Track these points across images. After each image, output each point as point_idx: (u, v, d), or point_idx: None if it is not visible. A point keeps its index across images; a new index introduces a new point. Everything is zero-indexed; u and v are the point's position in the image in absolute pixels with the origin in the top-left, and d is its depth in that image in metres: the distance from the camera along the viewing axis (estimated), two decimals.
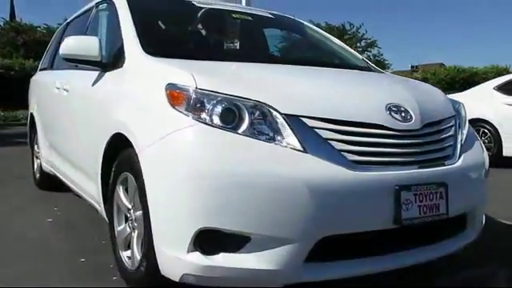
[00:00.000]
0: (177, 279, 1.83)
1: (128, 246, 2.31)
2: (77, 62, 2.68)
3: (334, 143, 1.84)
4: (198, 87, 1.90)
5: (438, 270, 2.43)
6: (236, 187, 1.72)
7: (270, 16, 3.39)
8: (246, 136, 1.81)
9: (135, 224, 2.21)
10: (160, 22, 2.80)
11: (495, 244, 2.88)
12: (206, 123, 1.83)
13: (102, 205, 2.57)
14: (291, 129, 1.82)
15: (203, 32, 3.04)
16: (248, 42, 3.23)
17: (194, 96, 1.88)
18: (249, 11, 3.34)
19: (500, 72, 20.66)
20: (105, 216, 2.63)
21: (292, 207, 1.73)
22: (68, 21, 4.36)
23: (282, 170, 1.75)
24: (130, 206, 2.27)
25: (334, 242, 1.80)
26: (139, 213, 2.15)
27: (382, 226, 1.87)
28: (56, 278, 2.40)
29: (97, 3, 3.39)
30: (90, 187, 2.80)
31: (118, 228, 2.39)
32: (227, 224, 1.74)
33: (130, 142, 2.12)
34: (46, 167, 4.13)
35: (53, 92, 3.62)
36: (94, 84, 2.70)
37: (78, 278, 2.41)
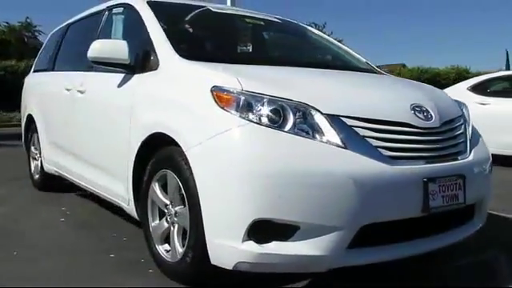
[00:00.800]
0: (230, 267, 1.98)
1: (165, 240, 2.44)
2: (105, 65, 2.76)
3: (370, 140, 2.04)
4: (245, 89, 2.06)
5: (443, 256, 2.65)
6: (286, 181, 1.89)
7: (279, 21, 3.57)
8: (292, 134, 1.98)
9: (175, 218, 2.34)
10: (184, 27, 2.92)
11: (489, 233, 3.13)
12: (256, 122, 1.98)
13: (132, 202, 2.68)
14: (333, 127, 2.00)
15: (225, 36, 3.18)
16: (265, 45, 3.40)
17: (242, 98, 2.03)
18: (260, 16, 3.51)
19: (460, 73, 21.54)
20: (133, 213, 2.74)
21: (337, 198, 1.91)
22: (69, 23, 4.39)
23: (328, 165, 1.93)
24: (167, 202, 2.40)
25: (371, 230, 1.99)
26: (179, 208, 2.29)
27: (413, 214, 2.08)
28: (97, 272, 2.49)
29: (109, 7, 3.47)
30: (114, 186, 2.89)
31: (153, 224, 2.51)
32: (279, 214, 1.90)
33: (171, 141, 2.25)
34: (49, 168, 4.16)
35: (62, 93, 3.67)
36: (120, 86, 2.79)
37: (118, 271, 2.50)
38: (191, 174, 2.12)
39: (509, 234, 3.33)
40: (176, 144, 2.26)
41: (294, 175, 1.90)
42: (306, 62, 2.86)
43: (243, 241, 1.92)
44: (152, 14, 2.86)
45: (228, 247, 1.96)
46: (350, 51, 3.45)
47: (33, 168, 4.73)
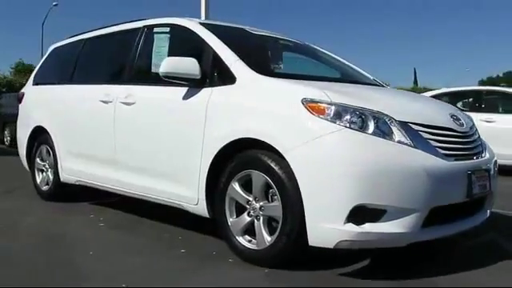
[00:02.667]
0: (331, 246, 2.42)
1: (245, 232, 2.80)
2: (176, 80, 3.07)
3: (431, 141, 2.58)
4: (333, 101, 2.53)
5: (448, 241, 3.22)
6: (377, 173, 2.38)
7: (297, 41, 4.08)
8: (375, 136, 2.47)
9: (260, 212, 2.72)
10: (239, 46, 3.29)
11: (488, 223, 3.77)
12: (347, 127, 2.45)
13: (203, 201, 2.99)
14: (404, 131, 2.52)
15: (271, 55, 3.61)
16: (302, 64, 3.87)
17: (333, 108, 2.50)
18: (285, 37, 3.98)
19: (421, 91, 23.46)
20: (200, 212, 3.06)
21: (415, 186, 2.42)
22: (85, 38, 4.55)
23: (406, 160, 2.45)
24: (250, 199, 2.77)
25: (435, 212, 2.53)
26: (264, 202, 2.68)
27: (460, 199, 2.65)
28: (185, 265, 2.77)
29: (148, 26, 3.75)
30: (175, 189, 3.17)
31: (231, 219, 2.86)
32: (371, 200, 2.38)
33: (254, 145, 2.66)
34: (69, 177, 4.29)
35: (96, 105, 3.85)
36: (187, 98, 3.11)
37: (203, 263, 2.80)
38: (287, 172, 2.53)
39: (503, 223, 3.98)
40: (261, 147, 2.66)
41: (382, 169, 2.39)
42: (343, 79, 3.38)
43: (344, 223, 2.37)
44: (212, 35, 3.22)
45: (330, 229, 2.39)
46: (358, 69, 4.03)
47: (39, 180, 4.78)
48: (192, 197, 3.07)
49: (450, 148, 2.68)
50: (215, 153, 2.89)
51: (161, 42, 3.63)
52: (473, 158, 2.80)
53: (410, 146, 2.50)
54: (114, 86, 3.79)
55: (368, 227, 2.39)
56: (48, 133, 4.55)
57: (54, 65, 4.97)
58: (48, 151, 4.62)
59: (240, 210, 2.85)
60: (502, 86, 10.49)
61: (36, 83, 5.07)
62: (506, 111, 7.52)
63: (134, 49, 3.76)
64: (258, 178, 2.70)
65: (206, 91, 3.04)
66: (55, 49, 5.08)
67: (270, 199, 2.69)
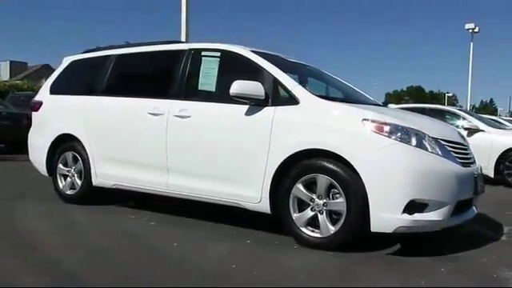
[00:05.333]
0: (390, 231, 3.21)
1: (308, 224, 3.49)
2: (244, 100, 3.69)
3: (451, 152, 3.48)
4: (387, 121, 3.33)
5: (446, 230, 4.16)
6: (423, 176, 3.22)
7: (313, 67, 4.85)
8: (417, 148, 3.30)
9: (323, 208, 3.43)
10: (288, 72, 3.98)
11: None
12: (400, 141, 3.27)
13: (267, 200, 3.64)
14: (436, 145, 3.38)
15: (303, 79, 4.34)
16: (319, 86, 4.63)
17: (389, 127, 3.30)
18: (306, 64, 4.75)
19: None
20: (262, 209, 3.71)
21: (448, 185, 3.30)
22: (115, 53, 4.95)
23: (441, 166, 3.31)
24: (313, 197, 3.47)
25: (456, 205, 3.41)
26: (327, 200, 3.41)
27: (470, 196, 3.58)
28: (256, 251, 3.41)
29: (195, 50, 4.32)
30: (238, 191, 3.77)
31: (295, 215, 3.55)
32: (419, 196, 3.20)
33: (314, 154, 3.41)
34: (104, 182, 4.68)
35: (143, 116, 4.32)
36: (250, 114, 3.74)
37: (273, 250, 3.46)
38: (351, 175, 3.28)
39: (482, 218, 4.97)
40: (324, 156, 3.39)
41: (426, 173, 3.23)
42: (359, 100, 4.19)
43: (401, 213, 3.17)
44: (267, 61, 3.89)
45: (390, 218, 3.18)
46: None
47: (61, 185, 5.07)
48: (255, 196, 3.70)
49: (462, 157, 3.60)
50: (282, 160, 3.57)
51: (209, 64, 4.22)
52: (472, 165, 3.75)
53: (440, 155, 3.36)
54: (162, 100, 4.28)
55: (417, 216, 3.21)
56: (78, 140, 4.88)
57: (76, 76, 5.29)
58: (75, 158, 4.95)
59: (300, 206, 3.54)
60: (406, 100, 11.94)
61: (54, 93, 5.32)
62: None
63: (182, 68, 4.30)
64: (323, 180, 3.42)
65: (269, 109, 3.70)
66: (74, 62, 5.38)
67: (331, 197, 3.42)
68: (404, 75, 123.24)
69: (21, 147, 8.17)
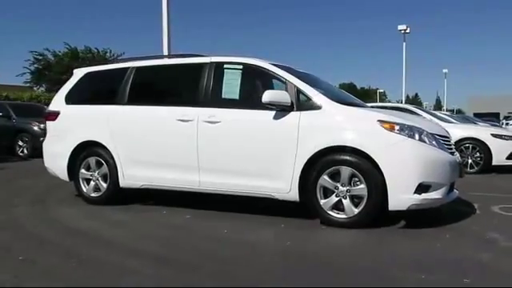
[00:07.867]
0: (405, 208, 4.03)
1: (333, 208, 4.24)
2: (274, 107, 4.36)
3: (444, 145, 4.35)
4: (397, 121, 4.14)
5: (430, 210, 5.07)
6: (428, 163, 4.06)
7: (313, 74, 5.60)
8: (420, 141, 4.14)
9: (347, 193, 4.18)
10: (306, 81, 4.68)
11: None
12: (407, 137, 4.09)
13: (295, 190, 4.34)
14: (433, 139, 4.24)
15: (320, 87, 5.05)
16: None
17: (398, 126, 4.11)
18: (307, 72, 5.47)
19: None
20: (291, 198, 4.40)
21: (445, 170, 4.18)
22: (133, 66, 5.41)
23: (439, 156, 4.18)
24: (337, 185, 4.22)
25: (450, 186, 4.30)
26: (349, 187, 4.16)
27: (457, 178, 4.48)
28: (294, 233, 4.11)
29: (217, 63, 4.91)
30: (269, 184, 4.44)
31: (322, 201, 4.28)
32: (426, 179, 4.04)
33: (337, 150, 4.15)
34: (133, 183, 5.16)
35: (171, 123, 4.86)
36: (277, 118, 4.41)
37: (304, 229, 4.17)
38: (370, 166, 4.05)
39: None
40: (346, 151, 4.14)
41: (429, 161, 4.08)
42: (358, 103, 4.99)
43: (413, 194, 3.99)
44: (287, 73, 4.59)
45: (405, 198, 4.00)
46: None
47: (85, 189, 5.46)
48: (285, 188, 4.39)
49: (449, 148, 4.49)
50: (309, 156, 4.28)
51: (231, 76, 4.84)
52: (454, 154, 4.66)
53: (437, 147, 4.23)
54: (190, 107, 4.84)
55: (424, 195, 4.05)
56: (103, 146, 5.30)
57: (93, 87, 5.69)
58: (99, 162, 5.36)
59: (325, 194, 4.27)
60: None
61: (71, 103, 5.68)
62: None
63: (207, 79, 4.87)
64: (346, 171, 4.17)
65: (294, 114, 4.40)
66: (88, 73, 5.76)
67: (352, 184, 4.18)
68: (335, 73, 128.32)
69: None
